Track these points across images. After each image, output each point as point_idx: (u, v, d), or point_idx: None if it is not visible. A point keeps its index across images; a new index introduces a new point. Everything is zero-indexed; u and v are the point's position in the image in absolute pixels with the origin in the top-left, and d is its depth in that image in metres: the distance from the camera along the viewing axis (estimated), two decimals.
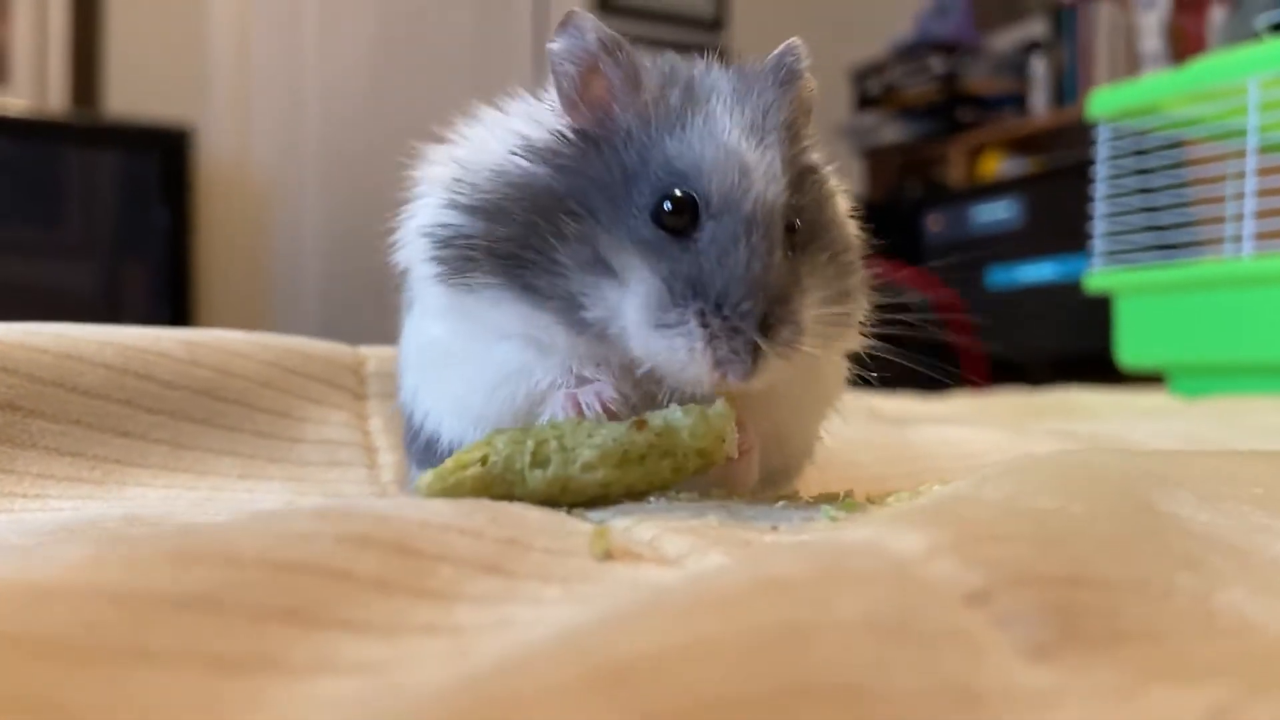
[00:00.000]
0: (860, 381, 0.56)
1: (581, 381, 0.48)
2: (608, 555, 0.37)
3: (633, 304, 0.44)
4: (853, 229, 0.54)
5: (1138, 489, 0.40)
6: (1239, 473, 0.48)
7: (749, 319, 0.42)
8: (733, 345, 0.42)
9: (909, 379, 0.54)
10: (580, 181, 0.45)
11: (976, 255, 2.97)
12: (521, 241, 0.45)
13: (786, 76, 0.49)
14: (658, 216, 0.44)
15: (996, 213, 2.97)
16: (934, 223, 3.17)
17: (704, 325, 0.43)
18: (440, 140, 0.53)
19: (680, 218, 0.44)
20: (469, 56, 3.52)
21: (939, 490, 0.42)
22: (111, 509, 0.47)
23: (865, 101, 3.70)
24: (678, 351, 0.43)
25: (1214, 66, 1.49)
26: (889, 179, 3.74)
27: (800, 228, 0.47)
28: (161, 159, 2.85)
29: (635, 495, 0.46)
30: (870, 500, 0.48)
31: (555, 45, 0.48)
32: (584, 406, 0.46)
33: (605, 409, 0.46)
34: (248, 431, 0.60)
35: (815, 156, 0.53)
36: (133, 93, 3.02)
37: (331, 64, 3.34)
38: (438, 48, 3.47)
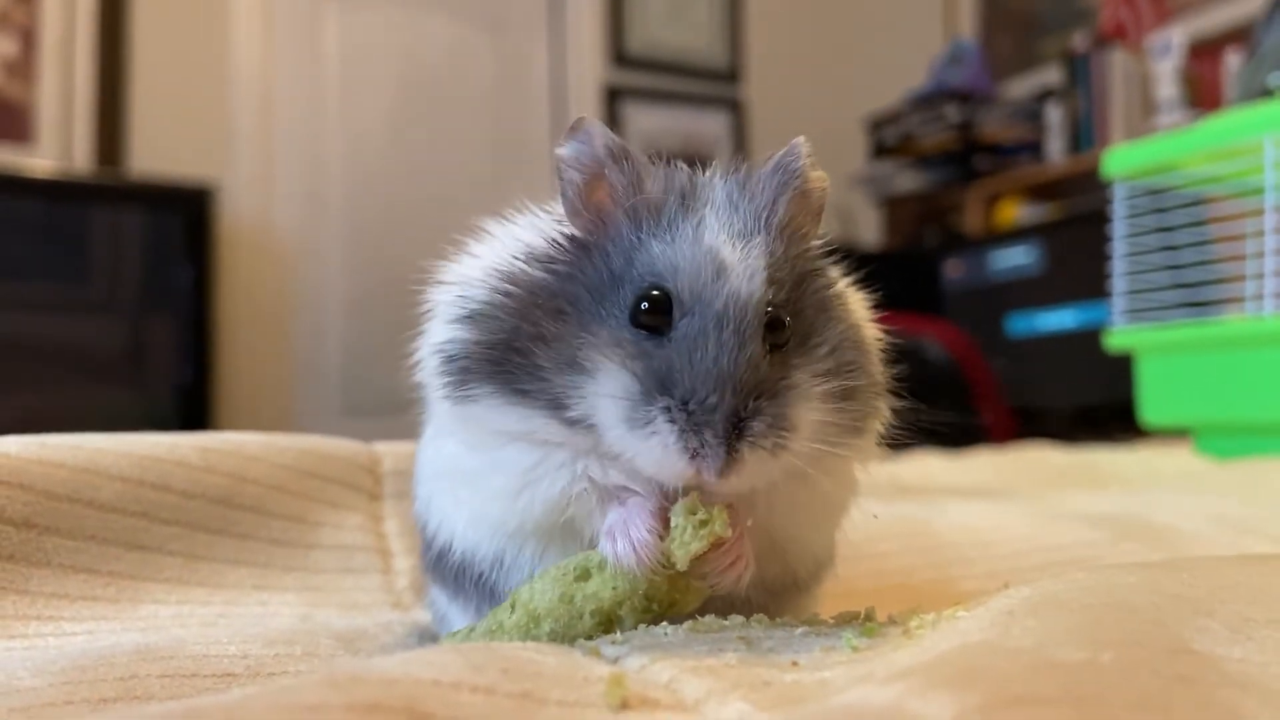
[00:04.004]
0: (886, 441, 0.54)
1: (605, 493, 0.47)
2: (624, 705, 0.36)
3: (606, 402, 0.44)
4: (870, 336, 0.53)
5: (1168, 624, 0.39)
6: (1269, 587, 0.47)
7: (717, 413, 0.42)
8: (702, 440, 0.42)
9: (931, 434, 0.53)
10: (571, 285, 0.46)
11: (996, 301, 2.96)
12: (508, 344, 0.46)
13: (786, 177, 0.49)
14: (635, 316, 0.45)
15: (1015, 258, 2.96)
16: (953, 269, 3.16)
17: (672, 421, 0.42)
18: (451, 258, 0.53)
19: (655, 316, 0.45)
20: (488, 114, 3.57)
21: (962, 623, 0.41)
22: (123, 638, 0.47)
23: (882, 150, 3.71)
24: (652, 449, 0.43)
25: (1228, 125, 1.49)
26: (907, 227, 3.75)
27: (791, 324, 0.47)
28: (185, 217, 2.89)
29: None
30: (893, 620, 0.47)
31: (564, 150, 0.49)
32: (616, 556, 0.45)
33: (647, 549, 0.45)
34: (262, 539, 0.59)
35: (824, 262, 0.52)
36: (156, 153, 3.07)
37: (353, 123, 3.38)
38: (457, 106, 3.52)
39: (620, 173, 0.48)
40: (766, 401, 0.43)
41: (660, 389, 0.43)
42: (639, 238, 0.47)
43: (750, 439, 0.43)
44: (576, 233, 0.48)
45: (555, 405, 0.45)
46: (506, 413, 0.47)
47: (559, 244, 0.48)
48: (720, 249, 0.45)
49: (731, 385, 0.43)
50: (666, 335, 0.44)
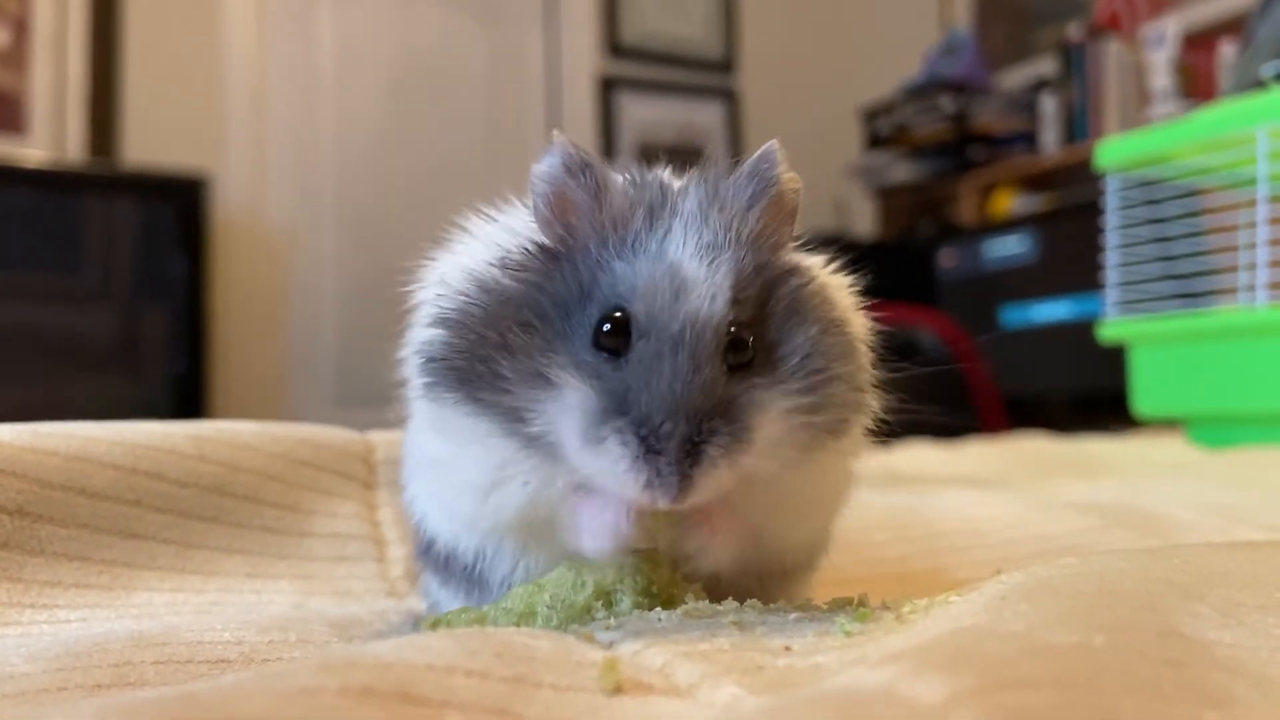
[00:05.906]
0: (877, 433, 0.54)
1: (577, 491, 0.47)
2: (618, 689, 0.36)
3: (567, 420, 0.44)
4: (856, 328, 0.52)
5: (1159, 609, 0.39)
6: (1260, 573, 0.47)
7: (670, 440, 0.42)
8: (656, 467, 0.42)
9: (925, 425, 0.53)
10: (540, 296, 0.46)
11: (990, 292, 2.97)
12: (473, 353, 0.46)
13: (759, 184, 0.49)
14: (596, 338, 0.45)
15: (1009, 249, 2.96)
16: (947, 259, 3.16)
17: (625, 445, 0.42)
18: (433, 257, 0.53)
19: (615, 338, 0.44)
20: (482, 104, 3.56)
21: (955, 608, 0.41)
22: (118, 626, 0.47)
23: (876, 141, 3.71)
24: (605, 470, 0.43)
25: (1221, 116, 1.49)
26: (901, 218, 3.75)
27: (754, 341, 0.46)
28: (178, 207, 2.88)
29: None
30: (886, 606, 0.47)
31: (536, 166, 0.48)
32: (591, 550, 0.47)
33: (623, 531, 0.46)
34: (256, 528, 0.59)
35: (798, 259, 0.51)
36: (149, 142, 3.06)
37: (346, 112, 3.37)
38: (451, 97, 3.51)
39: (579, 187, 0.47)
40: (721, 422, 0.43)
41: (617, 411, 0.43)
42: (605, 253, 0.46)
43: (706, 462, 0.43)
44: (548, 242, 0.48)
45: (515, 419, 0.45)
46: (474, 421, 0.47)
47: (530, 252, 0.48)
48: (684, 266, 0.45)
49: (684, 412, 0.42)
50: (624, 357, 0.44)
